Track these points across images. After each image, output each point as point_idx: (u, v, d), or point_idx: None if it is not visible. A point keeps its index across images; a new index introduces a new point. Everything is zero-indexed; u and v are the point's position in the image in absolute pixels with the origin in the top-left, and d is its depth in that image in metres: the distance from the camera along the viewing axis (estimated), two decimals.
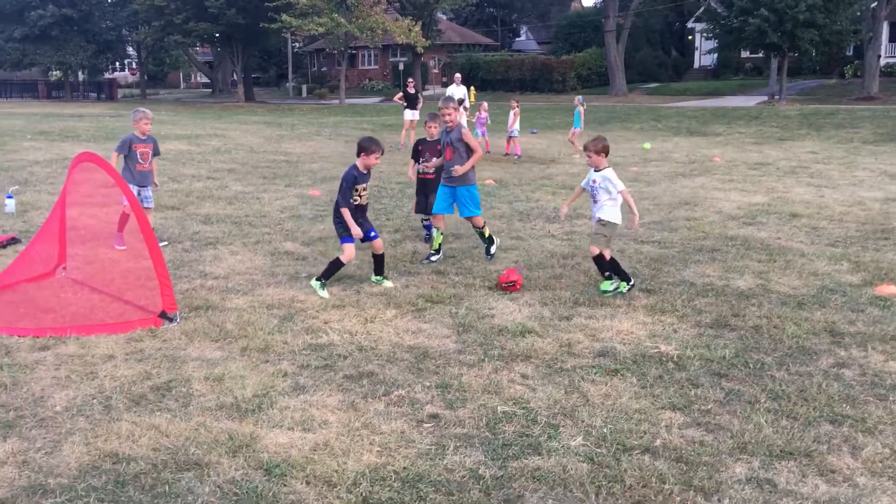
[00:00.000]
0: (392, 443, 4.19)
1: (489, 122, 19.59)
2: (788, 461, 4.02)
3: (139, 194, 8.30)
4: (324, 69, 68.76)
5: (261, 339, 5.72)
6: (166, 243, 8.69)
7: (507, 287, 7.03)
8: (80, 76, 62.90)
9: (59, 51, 53.90)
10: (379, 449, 4.12)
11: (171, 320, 6.06)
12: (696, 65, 57.19)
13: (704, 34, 46.41)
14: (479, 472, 3.90)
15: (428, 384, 4.98)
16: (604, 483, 3.80)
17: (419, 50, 46.96)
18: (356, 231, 6.89)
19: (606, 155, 6.94)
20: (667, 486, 3.76)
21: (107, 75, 66.70)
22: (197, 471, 3.88)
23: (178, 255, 8.35)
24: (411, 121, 20.62)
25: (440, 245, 8.16)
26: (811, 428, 4.39)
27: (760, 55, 45.69)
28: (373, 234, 7.15)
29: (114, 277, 7.25)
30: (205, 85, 75.66)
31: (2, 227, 9.75)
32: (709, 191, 13.09)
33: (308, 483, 3.78)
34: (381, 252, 7.25)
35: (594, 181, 6.95)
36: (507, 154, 18.88)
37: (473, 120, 19.23)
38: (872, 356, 5.50)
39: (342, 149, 20.00)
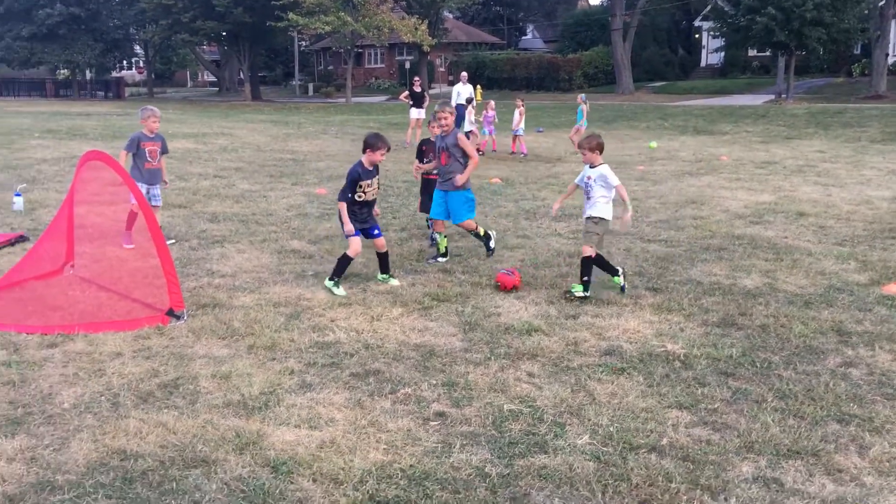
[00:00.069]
0: (398, 441, 4.20)
1: (496, 120, 19.59)
2: (795, 460, 4.02)
3: (148, 193, 8.33)
4: (330, 68, 68.81)
5: (268, 337, 5.74)
6: (173, 241, 8.72)
7: (503, 285, 7.01)
8: (88, 75, 63.05)
9: (67, 49, 54.04)
10: (385, 447, 4.13)
11: (178, 318, 6.08)
12: (702, 63, 57.02)
13: (711, 32, 46.27)
14: (486, 470, 3.90)
15: (434, 382, 4.99)
16: (610, 482, 3.80)
17: (425, 48, 46.95)
18: (348, 227, 6.93)
19: (601, 152, 6.91)
20: (673, 485, 3.76)
21: (114, 74, 66.91)
22: (204, 468, 3.89)
23: (185, 253, 8.38)
24: (417, 119, 20.63)
25: (446, 247, 8.17)
26: (818, 427, 4.38)
27: (767, 53, 45.53)
28: (376, 231, 7.16)
29: (121, 275, 7.27)
30: (212, 83, 75.78)
31: (10, 225, 9.79)
32: (716, 189, 13.06)
33: (315, 480, 3.79)
34: (384, 250, 7.25)
35: (589, 177, 6.91)
36: (512, 153, 18.88)
37: (480, 119, 19.21)
38: (880, 355, 5.49)
39: (348, 147, 20.02)
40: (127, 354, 5.42)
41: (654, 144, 20.72)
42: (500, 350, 5.56)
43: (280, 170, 15.56)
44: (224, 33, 51.24)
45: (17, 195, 10.92)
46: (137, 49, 65.92)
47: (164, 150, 8.71)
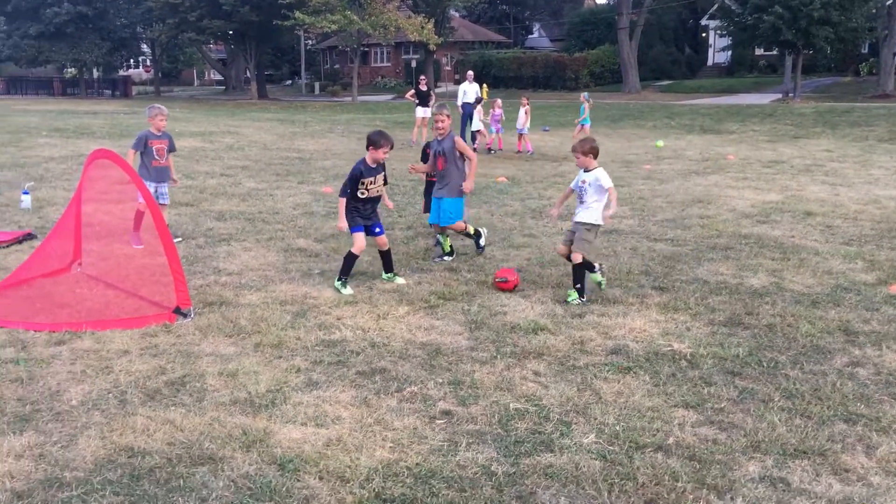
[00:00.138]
0: (405, 439, 4.20)
1: (503, 118, 19.59)
2: (802, 460, 4.01)
3: (156, 191, 8.36)
4: (336, 66, 68.86)
5: (274, 335, 5.75)
6: (180, 239, 8.74)
7: (500, 284, 6.99)
8: (95, 73, 63.23)
9: (75, 48, 54.19)
10: (391, 445, 4.14)
11: (185, 316, 6.09)
12: (709, 62, 56.84)
13: (718, 31, 46.15)
14: (492, 468, 3.91)
15: (440, 381, 4.99)
16: (616, 481, 3.80)
17: (432, 47, 46.94)
18: (342, 223, 6.96)
19: (595, 156, 6.82)
20: (680, 485, 3.75)
21: (121, 72, 67.06)
22: (211, 465, 3.90)
23: (191, 251, 8.40)
24: (423, 118, 20.63)
25: (451, 246, 8.17)
26: (825, 427, 4.37)
27: (775, 52, 45.37)
28: (377, 229, 7.16)
29: (128, 273, 7.30)
30: (218, 82, 75.89)
31: (18, 223, 9.83)
32: (722, 189, 13.03)
33: (321, 478, 3.80)
34: (386, 248, 7.25)
35: (584, 181, 6.83)
36: (518, 151, 18.88)
37: (488, 119, 19.21)
38: (887, 355, 5.47)
39: (354, 146, 20.03)
40: (134, 352, 5.44)
41: (660, 143, 20.69)
42: (507, 349, 5.57)
43: (286, 168, 15.58)
44: (231, 32, 51.31)
45: (25, 193, 10.96)
46: (144, 48, 66.06)
47: (172, 149, 8.73)
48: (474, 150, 19.10)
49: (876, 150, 19.16)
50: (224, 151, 18.56)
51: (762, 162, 16.87)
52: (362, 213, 7.05)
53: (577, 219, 6.84)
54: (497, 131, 19.30)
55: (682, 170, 15.63)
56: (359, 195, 6.96)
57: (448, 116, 7.91)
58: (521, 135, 19.04)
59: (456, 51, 60.88)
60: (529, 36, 77.04)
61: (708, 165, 16.34)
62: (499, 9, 75.44)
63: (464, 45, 61.76)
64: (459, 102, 20.31)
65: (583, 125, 19.22)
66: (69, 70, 62.30)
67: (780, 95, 38.58)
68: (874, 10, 36.81)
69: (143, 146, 8.45)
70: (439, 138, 7.95)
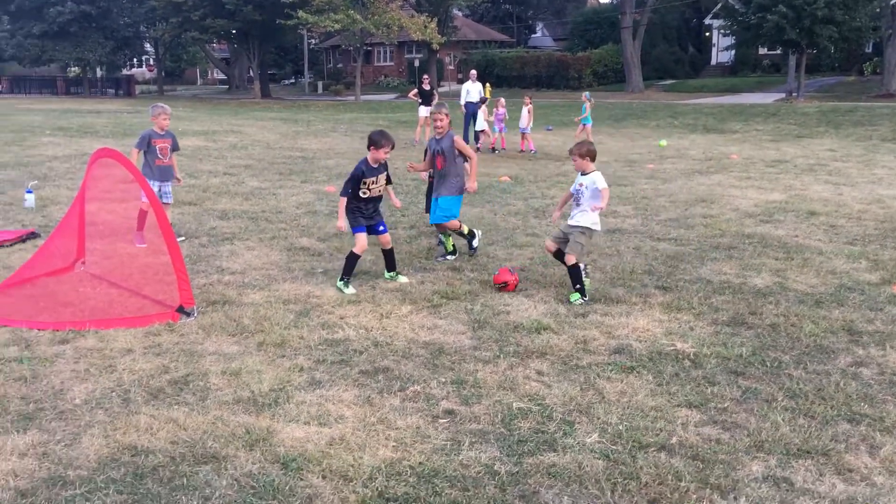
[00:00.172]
0: (408, 438, 4.20)
1: (507, 117, 19.58)
2: (806, 460, 4.00)
3: (160, 190, 8.37)
4: (339, 65, 68.90)
5: (277, 334, 5.76)
6: (183, 238, 8.75)
7: (502, 289, 6.98)
8: (99, 72, 63.33)
9: (78, 47, 54.31)
10: (394, 444, 4.14)
11: (188, 315, 6.10)
12: (713, 61, 56.79)
13: (722, 30, 46.04)
14: (495, 467, 3.91)
15: (443, 380, 4.99)
16: (619, 480, 3.79)
17: (435, 46, 46.95)
18: (341, 222, 6.97)
19: (593, 159, 6.76)
20: (683, 484, 3.75)
21: (125, 71, 67.19)
22: (214, 464, 3.91)
23: (195, 250, 8.41)
24: (426, 117, 20.61)
25: (454, 245, 8.16)
26: (829, 427, 4.36)
27: (778, 52, 45.31)
28: (381, 228, 7.17)
29: (132, 272, 7.31)
30: (221, 81, 76.01)
31: (21, 222, 9.85)
32: (726, 188, 13.02)
33: (324, 477, 3.81)
34: (389, 247, 7.26)
35: (581, 184, 6.79)
36: (521, 151, 18.87)
37: (492, 119, 19.21)
38: (891, 355, 5.46)
39: (357, 145, 20.02)
40: (137, 351, 5.44)
41: (663, 143, 20.67)
42: (510, 348, 5.56)
43: (289, 167, 15.59)
44: (234, 31, 51.37)
45: (29, 192, 10.99)
46: (148, 47, 66.19)
47: (175, 148, 8.73)
48: (477, 149, 19.15)
49: (879, 149, 19.13)
50: (227, 150, 18.58)
51: (765, 161, 16.85)
52: (364, 213, 7.06)
53: (573, 222, 6.80)
54: (500, 130, 19.29)
55: (685, 169, 15.62)
56: (360, 195, 6.97)
57: (447, 115, 7.90)
58: (523, 134, 19.03)
59: (459, 50, 60.88)
60: (533, 35, 77.03)
61: (711, 165, 16.33)
62: (502, 8, 75.42)
63: (467, 44, 61.76)
64: (462, 102, 20.30)
65: (584, 124, 19.20)
66: (73, 69, 62.46)
67: (783, 95, 38.52)
68: (878, 10, 36.73)
69: (146, 145, 8.46)
70: (438, 137, 7.94)
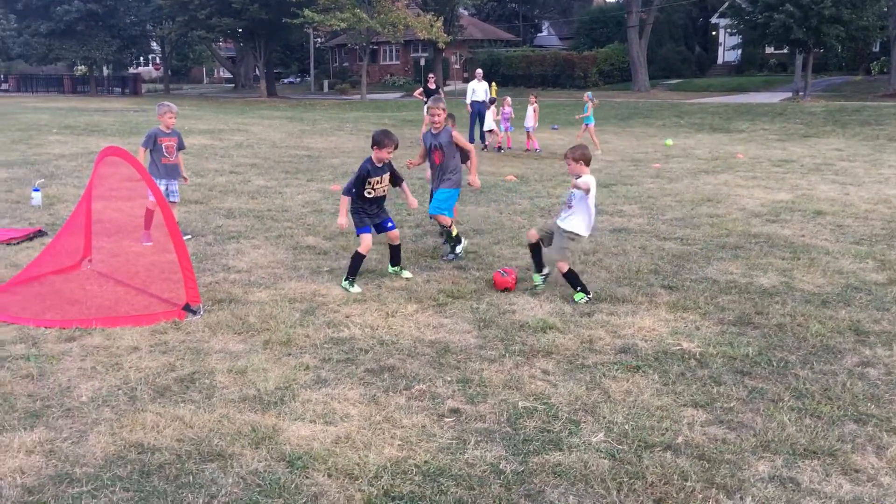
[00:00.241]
0: (413, 437, 4.21)
1: (513, 116, 19.56)
2: (812, 460, 3.99)
3: (166, 189, 8.39)
4: (345, 64, 68.94)
5: (283, 333, 5.76)
6: (190, 236, 8.77)
7: (496, 285, 6.95)
8: (105, 71, 63.53)
9: (85, 46, 54.46)
10: (400, 442, 4.14)
11: (194, 313, 6.11)
12: (719, 61, 56.68)
13: (728, 30, 45.99)
14: (500, 466, 3.91)
15: (449, 379, 4.99)
16: (625, 479, 3.79)
17: (440, 45, 46.96)
18: (341, 220, 6.98)
19: (587, 164, 6.69)
20: (689, 484, 3.75)
21: (131, 70, 67.34)
22: (220, 462, 3.92)
23: (201, 248, 8.42)
24: None
25: (458, 234, 8.11)
26: (835, 427, 4.35)
27: (785, 51, 45.22)
28: (389, 224, 7.19)
29: (138, 270, 7.33)
30: (227, 80, 76.14)
31: (28, 220, 9.88)
32: (732, 188, 12.99)
33: (330, 475, 3.81)
34: (397, 243, 7.29)
35: (574, 187, 6.77)
36: (527, 150, 18.86)
37: (498, 118, 19.20)
38: None
39: (363, 144, 20.04)
40: (144, 349, 5.46)
41: (669, 142, 20.64)
42: (515, 347, 5.56)
43: (295, 166, 15.61)
44: (240, 30, 51.50)
45: (36, 190, 11.02)
46: (154, 45, 66.33)
47: (181, 147, 8.75)
48: (484, 148, 19.16)
49: (886, 149, 19.06)
50: (233, 149, 18.61)
51: (772, 161, 16.80)
52: (370, 212, 7.08)
53: (563, 224, 6.73)
54: (506, 129, 19.28)
55: (691, 168, 15.59)
56: (365, 195, 6.98)
57: (444, 110, 7.90)
58: (529, 133, 19.02)
59: (465, 49, 60.86)
60: (538, 34, 76.97)
61: (717, 164, 16.29)
62: (508, 7, 75.40)
63: (473, 43, 61.73)
64: (468, 101, 20.29)
65: (587, 124, 19.18)
66: (79, 68, 62.61)
67: (790, 94, 38.43)
68: (885, 9, 36.61)
69: (152, 143, 8.48)
70: (434, 131, 7.93)
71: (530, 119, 18.98)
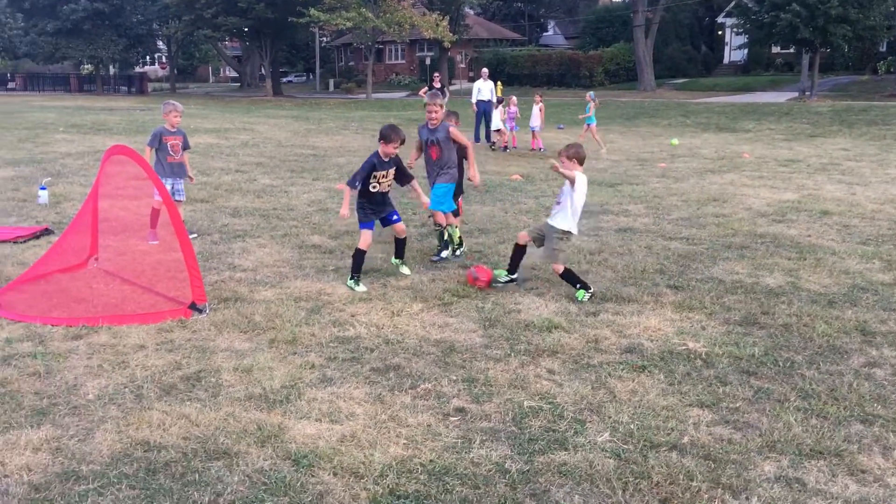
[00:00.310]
0: (419, 436, 4.21)
1: (519, 115, 19.55)
2: (818, 460, 3.98)
3: (172, 188, 8.40)
4: (351, 63, 69.02)
5: (289, 331, 5.77)
6: (195, 235, 8.78)
7: (481, 287, 6.92)
8: (112, 70, 63.68)
9: (91, 45, 54.63)
10: (405, 441, 4.14)
11: (200, 311, 6.12)
12: (725, 60, 56.58)
13: (735, 29, 45.86)
14: (506, 466, 3.91)
15: (454, 378, 4.99)
16: (631, 479, 3.79)
17: (446, 45, 46.98)
18: (345, 210, 6.97)
19: (580, 163, 6.66)
20: (694, 484, 3.74)
21: (137, 69, 67.50)
22: (226, 460, 3.92)
23: (207, 247, 8.44)
24: None
25: (460, 238, 8.12)
26: (841, 427, 4.34)
27: (791, 51, 45.10)
28: (395, 217, 7.23)
29: (145, 269, 7.34)
30: (233, 79, 76.27)
31: (35, 218, 9.91)
32: (738, 187, 12.96)
33: (335, 474, 3.81)
34: (403, 236, 7.35)
35: (566, 185, 6.76)
36: (532, 149, 18.85)
37: (504, 117, 19.19)
38: None
39: (369, 143, 20.05)
40: (150, 347, 5.47)
41: (675, 142, 20.60)
42: (521, 347, 5.56)
43: (301, 165, 15.63)
44: (246, 29, 51.60)
45: (42, 189, 11.05)
46: (160, 44, 66.53)
47: (186, 146, 8.76)
48: (491, 147, 19.15)
49: (893, 149, 18.99)
50: (239, 148, 18.64)
51: (778, 161, 16.76)
52: (373, 207, 7.10)
53: (552, 222, 6.72)
54: (512, 129, 19.28)
55: (697, 168, 15.56)
56: (370, 189, 7.00)
57: (441, 106, 7.90)
58: (534, 132, 19.01)
59: (470, 48, 60.87)
60: (544, 33, 76.92)
61: (723, 164, 16.26)
62: (513, 6, 75.37)
63: (478, 42, 61.74)
64: (474, 100, 20.28)
65: (589, 124, 19.15)
66: (86, 66, 62.79)
67: (796, 94, 38.32)
68: (893, 9, 36.48)
69: (157, 142, 8.50)
70: (431, 127, 7.92)
71: (536, 118, 18.97)
